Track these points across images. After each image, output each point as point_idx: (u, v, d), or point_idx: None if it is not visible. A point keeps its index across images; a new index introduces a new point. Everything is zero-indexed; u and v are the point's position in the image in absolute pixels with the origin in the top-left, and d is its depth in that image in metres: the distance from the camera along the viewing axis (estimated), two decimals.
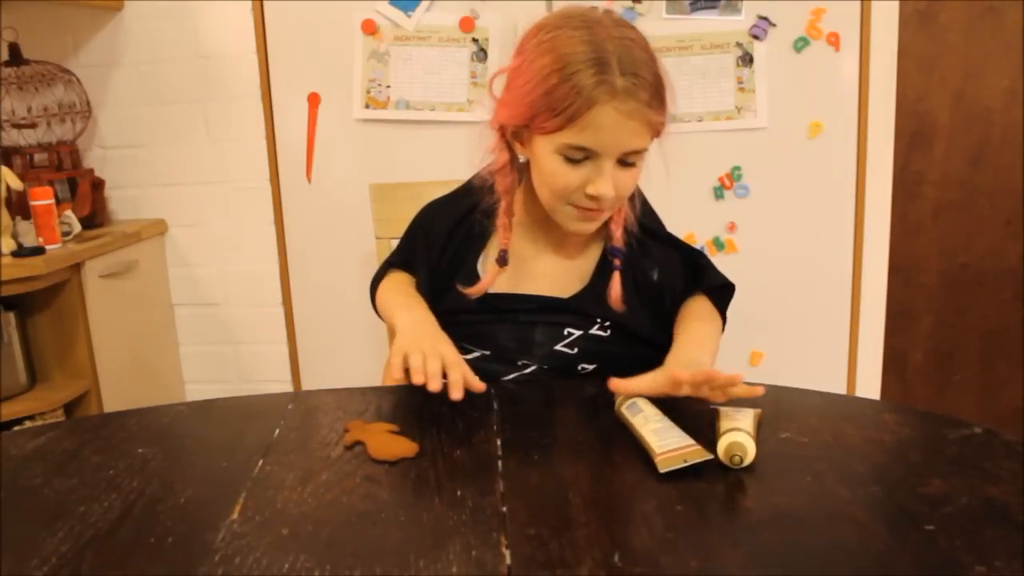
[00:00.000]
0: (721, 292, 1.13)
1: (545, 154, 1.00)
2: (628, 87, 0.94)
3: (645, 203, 1.16)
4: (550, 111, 0.96)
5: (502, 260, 1.10)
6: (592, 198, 0.99)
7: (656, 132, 1.00)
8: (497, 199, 1.10)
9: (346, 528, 0.70)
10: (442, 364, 0.94)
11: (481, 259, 1.13)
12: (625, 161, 0.98)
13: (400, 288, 1.15)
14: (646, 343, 1.08)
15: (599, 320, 1.08)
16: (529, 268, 1.12)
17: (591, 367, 1.08)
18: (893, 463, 0.78)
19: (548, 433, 0.87)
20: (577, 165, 0.98)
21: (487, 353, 1.09)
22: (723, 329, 1.14)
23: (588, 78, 0.93)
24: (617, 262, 1.08)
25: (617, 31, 0.97)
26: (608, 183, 0.98)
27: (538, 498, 0.73)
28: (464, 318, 1.09)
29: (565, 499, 0.73)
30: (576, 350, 1.08)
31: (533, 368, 1.08)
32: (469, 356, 1.08)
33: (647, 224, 1.13)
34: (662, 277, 1.11)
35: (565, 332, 1.07)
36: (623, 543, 0.65)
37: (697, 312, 1.10)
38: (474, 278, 1.10)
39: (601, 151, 0.97)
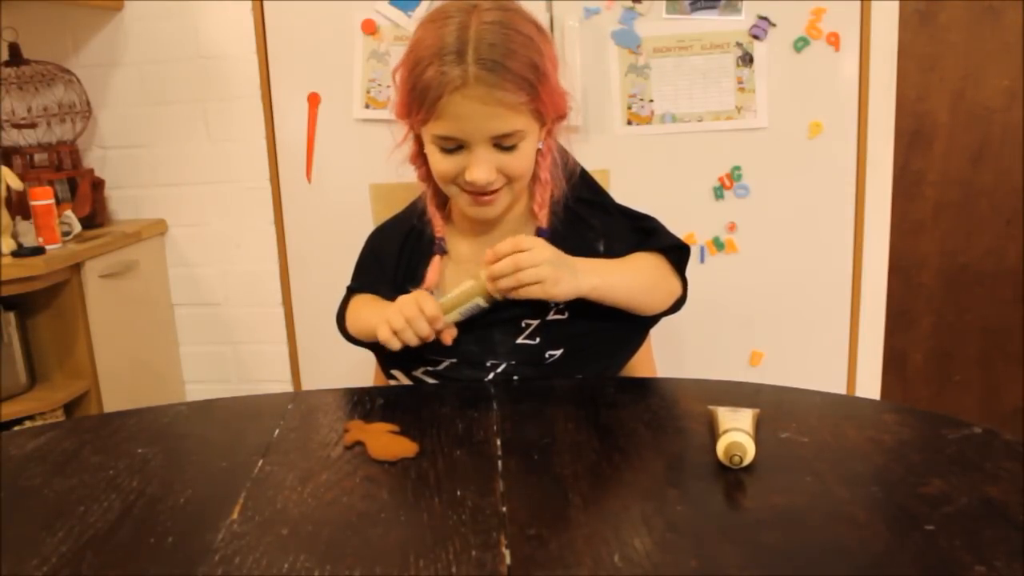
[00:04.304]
0: (675, 253, 1.12)
1: (427, 144, 1.03)
2: (477, 74, 0.94)
3: (585, 178, 1.14)
4: (414, 106, 0.99)
5: (439, 249, 1.12)
6: (473, 183, 1.00)
7: (536, 112, 1.00)
8: (425, 192, 1.11)
9: (346, 528, 0.70)
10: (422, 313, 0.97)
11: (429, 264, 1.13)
12: (502, 145, 0.99)
13: (370, 302, 1.15)
14: (607, 317, 1.06)
15: (554, 304, 1.06)
16: (472, 269, 1.11)
17: (558, 352, 1.06)
18: (893, 463, 0.78)
19: (548, 433, 0.87)
20: (452, 154, 1.00)
21: (454, 361, 1.08)
22: (684, 295, 1.13)
23: (432, 71, 0.95)
24: None
25: (491, 15, 0.97)
26: (481, 168, 0.99)
27: (538, 498, 0.73)
28: None
29: (565, 499, 0.73)
30: (538, 339, 1.07)
31: (503, 367, 1.07)
32: (438, 367, 1.08)
33: (591, 198, 1.13)
34: (608, 246, 1.10)
35: (523, 324, 1.06)
36: (623, 543, 0.65)
37: (637, 255, 1.10)
38: (422, 282, 1.11)
39: (466, 138, 0.98)
